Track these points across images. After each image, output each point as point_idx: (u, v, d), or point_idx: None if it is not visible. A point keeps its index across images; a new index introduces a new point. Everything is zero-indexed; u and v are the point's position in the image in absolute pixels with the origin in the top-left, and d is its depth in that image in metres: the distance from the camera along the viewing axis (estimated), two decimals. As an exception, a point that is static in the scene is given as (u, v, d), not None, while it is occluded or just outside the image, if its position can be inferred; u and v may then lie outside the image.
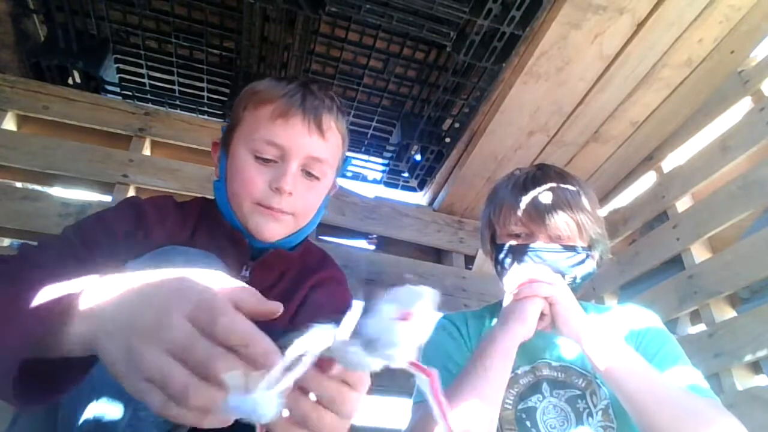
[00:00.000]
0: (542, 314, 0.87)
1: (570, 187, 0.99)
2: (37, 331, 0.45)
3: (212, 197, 0.93)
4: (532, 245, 0.96)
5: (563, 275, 0.93)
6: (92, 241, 0.75)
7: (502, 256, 1.00)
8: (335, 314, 0.94)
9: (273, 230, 0.84)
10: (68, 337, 0.45)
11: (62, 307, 0.46)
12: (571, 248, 0.95)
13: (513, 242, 0.99)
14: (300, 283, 0.91)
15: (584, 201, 0.99)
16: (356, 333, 0.41)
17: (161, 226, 0.83)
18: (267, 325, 0.85)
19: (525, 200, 0.98)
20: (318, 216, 0.91)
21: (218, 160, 0.91)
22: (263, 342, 0.41)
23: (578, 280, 0.96)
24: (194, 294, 0.41)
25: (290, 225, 0.86)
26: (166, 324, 0.39)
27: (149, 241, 0.77)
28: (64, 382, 0.49)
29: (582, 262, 0.96)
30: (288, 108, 0.82)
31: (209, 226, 0.88)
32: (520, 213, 0.98)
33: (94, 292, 0.46)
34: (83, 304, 0.46)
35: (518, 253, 0.97)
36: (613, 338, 0.84)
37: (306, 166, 0.84)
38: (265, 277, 0.88)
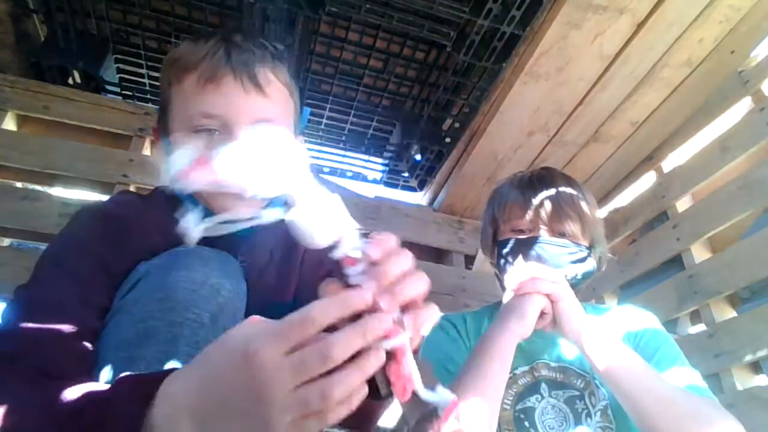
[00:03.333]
0: (543, 312, 0.86)
1: (574, 189, 1.02)
2: None
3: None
4: (540, 238, 0.96)
5: (564, 271, 0.94)
6: (82, 275, 0.67)
7: (506, 251, 1.01)
8: (333, 263, 0.91)
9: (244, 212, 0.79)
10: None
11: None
12: (575, 244, 0.97)
13: (518, 237, 0.99)
14: (291, 254, 0.86)
15: (586, 203, 1.01)
16: None
17: (138, 223, 0.75)
18: (275, 301, 0.83)
19: (531, 196, 1.00)
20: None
21: (163, 149, 0.81)
22: (361, 295, 0.43)
23: (578, 277, 0.97)
24: (264, 331, 0.42)
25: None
26: (266, 372, 0.40)
27: (133, 242, 0.72)
28: None
29: (583, 259, 0.97)
30: (214, 70, 0.72)
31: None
32: (526, 208, 0.99)
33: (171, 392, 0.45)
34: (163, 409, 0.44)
35: (523, 247, 0.98)
36: (613, 339, 0.84)
37: None
38: (259, 259, 0.83)
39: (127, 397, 0.45)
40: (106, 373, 0.58)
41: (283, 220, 0.85)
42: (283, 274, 0.84)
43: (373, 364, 0.41)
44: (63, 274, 0.66)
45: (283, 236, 0.87)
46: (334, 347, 0.40)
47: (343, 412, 0.41)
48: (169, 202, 0.82)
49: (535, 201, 0.99)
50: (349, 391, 0.40)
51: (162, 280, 0.64)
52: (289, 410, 0.39)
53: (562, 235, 0.97)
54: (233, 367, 0.42)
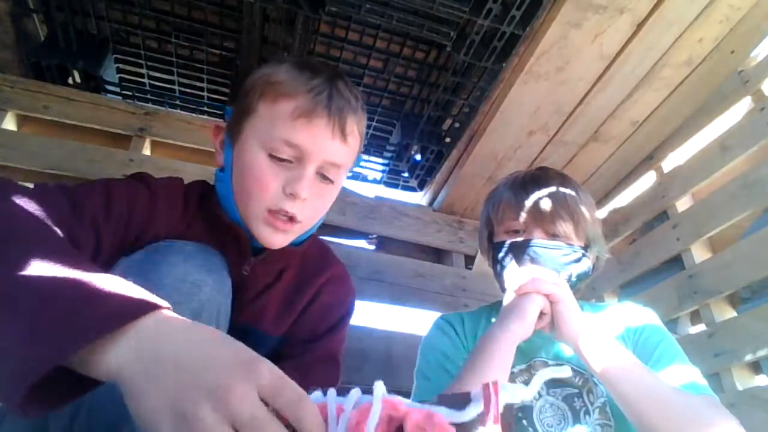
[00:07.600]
0: (542, 313, 0.86)
1: (569, 188, 1.01)
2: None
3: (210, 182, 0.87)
4: (532, 241, 0.96)
5: (559, 272, 0.94)
6: (90, 213, 0.67)
7: (501, 254, 1.00)
8: (339, 316, 0.90)
9: (279, 241, 0.79)
10: (99, 355, 0.40)
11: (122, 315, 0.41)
12: (569, 245, 0.96)
13: (512, 239, 0.99)
14: (303, 284, 0.86)
15: (582, 202, 1.00)
16: None
17: (166, 210, 0.78)
18: (266, 332, 0.82)
19: (524, 197, 0.99)
20: (324, 215, 0.87)
21: (221, 148, 0.84)
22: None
23: (573, 279, 0.96)
24: (264, 369, 0.39)
25: (297, 233, 0.81)
26: (233, 390, 0.37)
27: (149, 228, 0.73)
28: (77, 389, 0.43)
29: (578, 260, 0.96)
30: (313, 108, 0.75)
31: (208, 215, 0.82)
32: (518, 209, 0.98)
33: (156, 322, 0.42)
34: (142, 329, 0.41)
35: (517, 250, 0.97)
36: (610, 341, 0.84)
37: (322, 170, 0.78)
38: (265, 274, 0.84)
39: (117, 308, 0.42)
40: None
41: (299, 252, 0.86)
42: (285, 306, 0.84)
43: None
44: (67, 197, 0.66)
45: (299, 260, 0.89)
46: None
47: None
48: (202, 199, 0.84)
49: (528, 202, 0.98)
50: None
51: (140, 277, 0.62)
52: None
53: (554, 235, 0.96)
54: (203, 370, 0.38)
